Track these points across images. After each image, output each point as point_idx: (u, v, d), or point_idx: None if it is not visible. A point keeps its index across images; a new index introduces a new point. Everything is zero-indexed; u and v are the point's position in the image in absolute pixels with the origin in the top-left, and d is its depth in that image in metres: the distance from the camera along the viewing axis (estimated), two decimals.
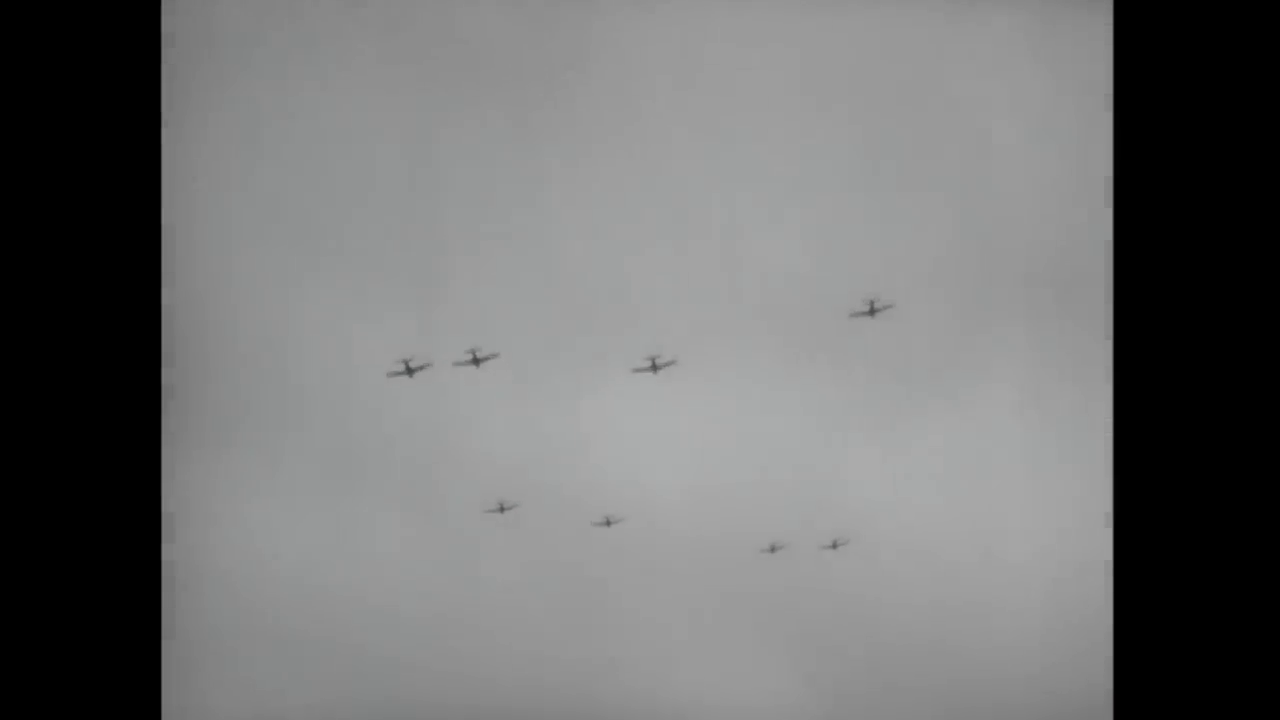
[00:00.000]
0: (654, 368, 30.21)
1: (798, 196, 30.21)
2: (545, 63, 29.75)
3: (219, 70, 28.86)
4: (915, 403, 30.52)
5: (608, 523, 30.33)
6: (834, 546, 30.64)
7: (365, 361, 29.56)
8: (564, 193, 29.89)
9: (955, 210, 30.38)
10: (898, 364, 30.49)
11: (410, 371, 29.52)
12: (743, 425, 30.46)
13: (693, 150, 30.10)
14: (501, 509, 30.04)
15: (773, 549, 30.61)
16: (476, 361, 29.69)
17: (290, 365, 29.37)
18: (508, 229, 29.82)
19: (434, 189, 29.72)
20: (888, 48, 30.14)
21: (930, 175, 30.33)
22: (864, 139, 30.32)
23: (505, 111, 29.76)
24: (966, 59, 30.25)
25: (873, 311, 30.36)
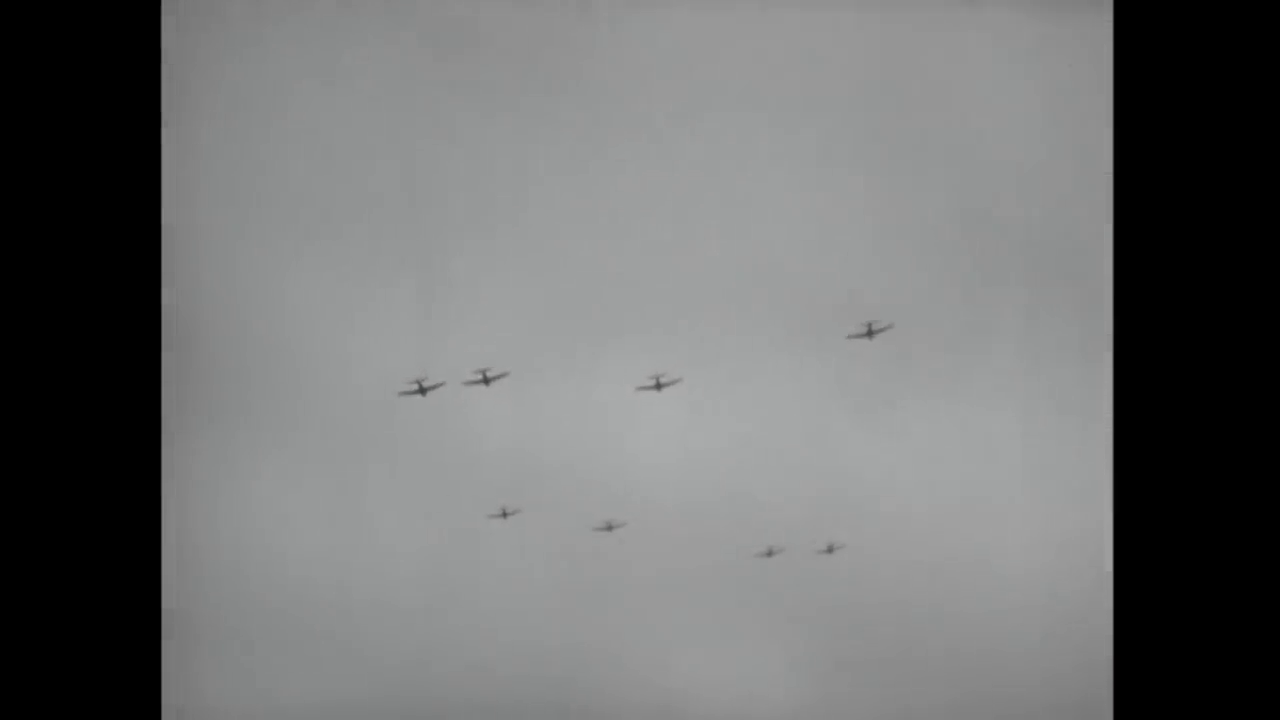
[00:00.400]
0: (658, 386, 30.25)
1: (799, 195, 30.31)
2: (551, 71, 29.97)
3: (219, 69, 29.10)
4: (915, 403, 30.50)
5: (609, 527, 30.35)
6: (829, 551, 30.59)
7: (369, 363, 29.67)
8: (567, 202, 30.07)
9: (955, 209, 30.43)
10: (897, 368, 30.49)
11: (423, 391, 29.64)
12: (741, 430, 30.48)
13: (696, 151, 30.22)
14: (504, 514, 30.09)
15: (770, 553, 30.57)
16: (487, 381, 29.80)
17: (293, 366, 29.40)
18: (510, 231, 30.00)
19: (435, 189, 29.89)
20: (889, 47, 30.27)
21: (931, 173, 30.39)
22: (864, 137, 30.37)
23: (511, 118, 29.97)
24: (966, 57, 30.37)
25: (870, 334, 30.35)
